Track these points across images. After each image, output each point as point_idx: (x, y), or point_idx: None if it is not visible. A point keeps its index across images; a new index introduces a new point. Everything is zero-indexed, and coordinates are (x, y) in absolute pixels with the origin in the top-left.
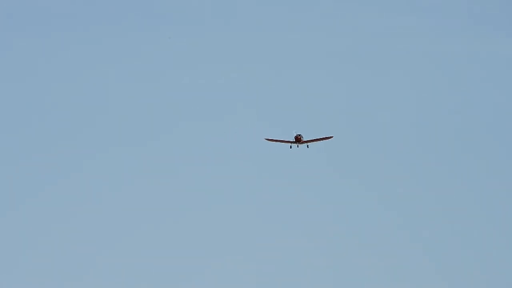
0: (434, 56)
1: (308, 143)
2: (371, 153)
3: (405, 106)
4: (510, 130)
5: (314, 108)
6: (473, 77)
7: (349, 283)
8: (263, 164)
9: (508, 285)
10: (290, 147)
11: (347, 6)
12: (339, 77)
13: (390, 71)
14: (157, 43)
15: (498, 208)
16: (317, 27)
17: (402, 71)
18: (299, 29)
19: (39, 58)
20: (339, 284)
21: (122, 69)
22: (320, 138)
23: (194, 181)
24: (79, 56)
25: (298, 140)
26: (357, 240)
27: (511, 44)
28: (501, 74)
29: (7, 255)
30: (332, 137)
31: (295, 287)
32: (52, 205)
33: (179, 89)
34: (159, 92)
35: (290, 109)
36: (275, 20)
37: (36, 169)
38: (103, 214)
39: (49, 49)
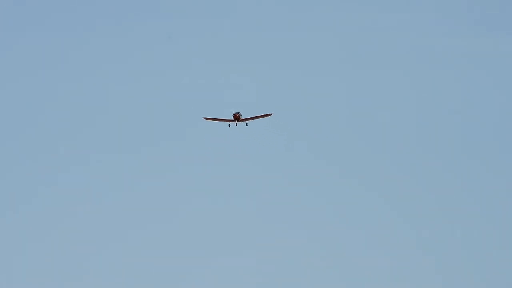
0: (433, 53)
1: (247, 121)
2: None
3: (400, 103)
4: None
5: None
6: (474, 75)
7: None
8: (202, 143)
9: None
10: (229, 126)
11: (345, 3)
12: (336, 74)
13: (387, 68)
14: (157, 43)
15: (494, 207)
16: (315, 24)
17: (399, 68)
18: (298, 27)
19: (38, 58)
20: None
21: (121, 69)
22: (260, 116)
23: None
24: (78, 56)
25: (236, 118)
26: (303, 221)
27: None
28: (503, 72)
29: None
30: (271, 114)
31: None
32: (52, 205)
33: (178, 89)
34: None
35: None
36: (274, 19)
37: (35, 169)
38: (100, 215)
39: (47, 48)
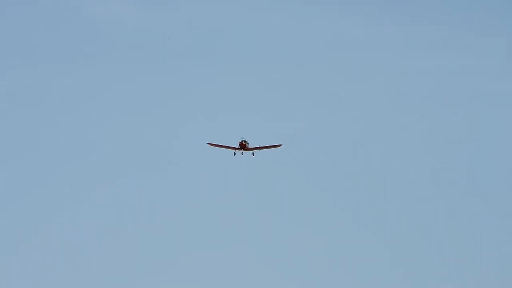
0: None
1: (254, 151)
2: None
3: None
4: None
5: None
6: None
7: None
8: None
9: None
10: (234, 154)
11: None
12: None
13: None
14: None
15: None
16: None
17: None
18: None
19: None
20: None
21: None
22: (268, 146)
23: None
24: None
25: (242, 146)
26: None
27: None
28: None
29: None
30: (281, 145)
31: None
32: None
33: None
34: None
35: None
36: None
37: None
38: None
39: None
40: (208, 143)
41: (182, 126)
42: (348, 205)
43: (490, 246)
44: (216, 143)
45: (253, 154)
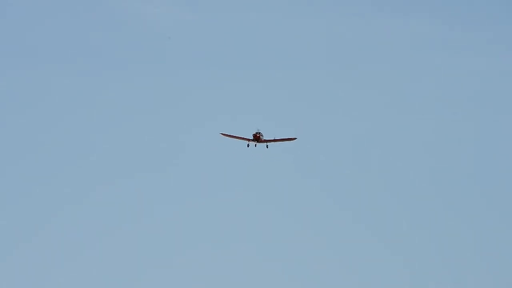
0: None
1: (268, 143)
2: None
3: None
4: None
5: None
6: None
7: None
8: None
9: None
10: (248, 146)
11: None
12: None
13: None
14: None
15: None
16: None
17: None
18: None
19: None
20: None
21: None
22: (283, 139)
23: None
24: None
25: (256, 138)
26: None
27: None
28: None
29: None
30: (296, 138)
31: None
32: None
33: None
34: None
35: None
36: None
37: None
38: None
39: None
40: (221, 133)
41: (184, 127)
42: (351, 206)
43: (491, 246)
44: (229, 134)
45: (267, 146)
